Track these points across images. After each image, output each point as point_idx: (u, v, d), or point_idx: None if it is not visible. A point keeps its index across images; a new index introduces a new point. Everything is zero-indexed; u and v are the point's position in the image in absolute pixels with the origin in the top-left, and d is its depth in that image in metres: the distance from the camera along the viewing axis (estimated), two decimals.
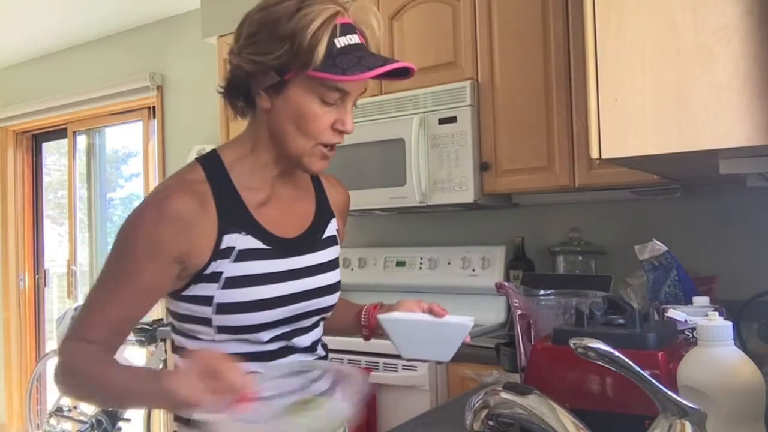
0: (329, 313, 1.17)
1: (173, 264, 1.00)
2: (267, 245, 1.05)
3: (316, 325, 1.16)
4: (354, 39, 0.99)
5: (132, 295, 1.00)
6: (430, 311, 1.16)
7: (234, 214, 1.03)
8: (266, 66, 0.98)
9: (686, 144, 0.90)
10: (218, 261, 1.01)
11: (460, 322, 1.10)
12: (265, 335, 1.06)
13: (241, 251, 1.02)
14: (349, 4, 1.03)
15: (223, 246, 1.01)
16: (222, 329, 1.04)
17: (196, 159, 1.09)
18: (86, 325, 1.01)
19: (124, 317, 1.02)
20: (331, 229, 1.18)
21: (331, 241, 1.18)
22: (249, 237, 1.03)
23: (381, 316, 1.14)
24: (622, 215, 2.47)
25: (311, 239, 1.13)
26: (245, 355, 1.04)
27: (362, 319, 1.23)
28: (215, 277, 1.01)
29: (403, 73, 1.03)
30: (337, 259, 1.19)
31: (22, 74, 4.67)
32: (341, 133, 1.04)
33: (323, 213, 1.18)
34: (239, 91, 1.05)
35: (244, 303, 1.02)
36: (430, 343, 1.10)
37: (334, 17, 0.97)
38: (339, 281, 1.17)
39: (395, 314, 1.15)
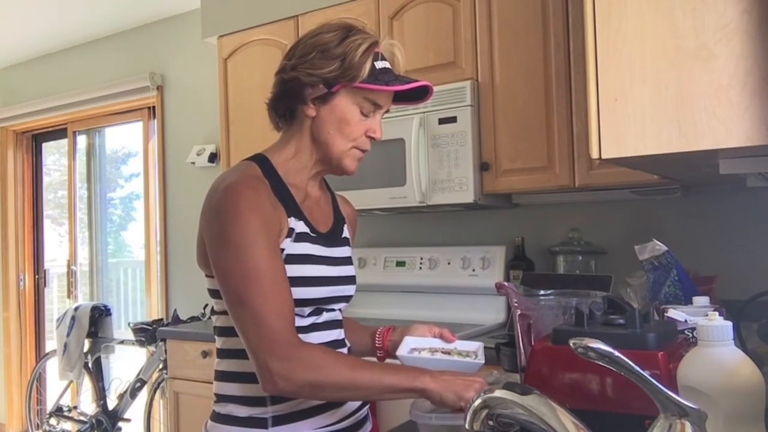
0: (347, 304, 1.31)
1: (278, 238, 1.14)
2: (312, 233, 1.22)
3: (339, 310, 1.30)
4: (387, 64, 1.21)
5: (281, 270, 1.12)
6: (441, 336, 1.33)
7: (289, 204, 1.19)
8: (319, 78, 1.17)
9: (686, 144, 0.90)
10: (285, 239, 1.16)
11: (472, 361, 1.23)
12: (306, 310, 1.19)
13: (298, 233, 1.19)
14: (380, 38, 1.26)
15: (290, 226, 1.17)
16: None
17: (247, 159, 1.24)
18: (282, 329, 1.08)
19: (290, 293, 1.12)
20: (345, 231, 1.34)
21: (347, 241, 1.34)
22: (301, 223, 1.20)
23: (400, 355, 1.24)
24: (622, 215, 2.47)
25: (336, 235, 1.30)
26: None
27: (377, 342, 1.40)
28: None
29: (422, 94, 1.25)
30: (351, 257, 1.35)
31: (22, 74, 4.67)
32: (372, 139, 1.23)
33: (339, 216, 1.34)
34: (285, 103, 1.23)
35: (301, 278, 1.16)
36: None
37: (375, 45, 1.19)
38: (356, 275, 1.33)
39: (412, 342, 1.28)
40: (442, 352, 1.26)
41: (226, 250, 1.10)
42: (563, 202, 2.55)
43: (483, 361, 1.23)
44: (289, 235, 1.17)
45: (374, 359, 1.34)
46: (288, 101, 1.23)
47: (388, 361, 1.32)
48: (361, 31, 1.21)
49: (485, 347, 1.32)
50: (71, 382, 3.90)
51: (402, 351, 1.25)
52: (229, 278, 1.10)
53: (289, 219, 1.17)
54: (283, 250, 1.15)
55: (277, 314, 1.08)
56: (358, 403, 1.27)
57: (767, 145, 0.85)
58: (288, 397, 1.15)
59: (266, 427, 1.15)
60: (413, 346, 1.28)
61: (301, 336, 1.18)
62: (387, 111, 1.26)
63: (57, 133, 4.65)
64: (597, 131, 0.96)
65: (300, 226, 1.19)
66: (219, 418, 1.20)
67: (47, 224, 4.86)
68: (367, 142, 1.23)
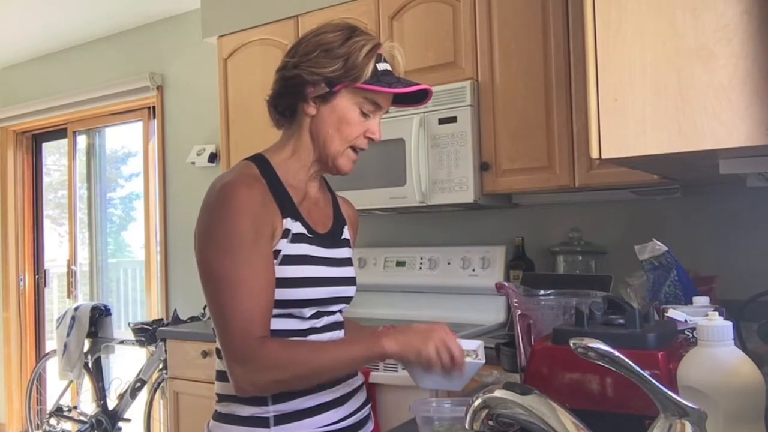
0: (347, 305, 1.31)
1: (269, 241, 1.14)
2: (310, 234, 1.21)
3: (339, 311, 1.30)
4: (388, 66, 1.22)
5: (260, 276, 1.11)
6: None
7: (286, 204, 1.19)
8: (322, 77, 1.17)
9: (686, 144, 0.90)
10: (281, 240, 1.16)
11: (471, 360, 1.21)
12: (307, 312, 1.19)
13: (294, 234, 1.18)
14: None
15: (285, 227, 1.17)
16: (275, 303, 1.15)
17: (246, 159, 1.24)
18: (250, 325, 1.08)
19: (266, 299, 1.12)
20: (346, 232, 1.34)
21: (347, 242, 1.34)
22: (298, 223, 1.20)
23: None
24: (622, 215, 2.47)
25: (336, 236, 1.29)
26: (287, 332, 1.17)
27: None
28: (275, 254, 1.16)
29: (421, 97, 1.26)
30: (351, 258, 1.34)
31: (22, 74, 4.67)
32: (370, 140, 1.24)
33: (339, 217, 1.34)
34: (286, 100, 1.23)
35: (297, 279, 1.17)
36: (443, 376, 1.18)
37: (377, 47, 1.20)
38: (356, 276, 1.33)
39: None
40: None
41: (210, 249, 1.11)
42: (563, 202, 2.55)
43: (483, 361, 1.23)
44: (284, 236, 1.17)
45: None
46: (289, 99, 1.23)
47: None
48: (364, 32, 1.21)
49: (485, 347, 1.31)
50: (71, 382, 3.90)
51: None
52: (207, 279, 1.11)
53: (284, 220, 1.17)
54: (279, 251, 1.16)
55: (245, 320, 1.09)
56: (360, 402, 1.27)
57: (767, 145, 0.85)
58: (289, 397, 1.16)
59: (268, 426, 1.16)
60: None
61: (300, 339, 1.19)
62: (386, 112, 1.26)
63: (57, 133, 4.65)
64: (597, 131, 0.96)
65: (296, 227, 1.19)
66: (221, 417, 1.20)
67: (47, 224, 4.86)
68: (365, 142, 1.24)
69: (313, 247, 1.21)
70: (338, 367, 1.15)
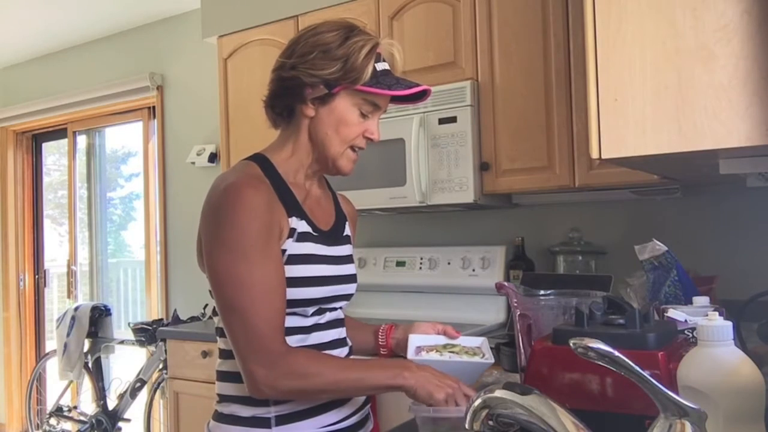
0: (348, 302, 1.31)
1: (277, 241, 1.14)
2: (314, 232, 1.21)
3: (339, 308, 1.30)
4: (386, 66, 1.21)
5: (274, 278, 1.11)
6: (445, 333, 1.34)
7: (291, 203, 1.19)
8: (321, 79, 1.16)
9: (686, 144, 0.90)
10: (287, 240, 1.16)
11: (480, 360, 1.25)
12: (309, 310, 1.20)
13: (300, 233, 1.18)
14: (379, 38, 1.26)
15: (291, 226, 1.17)
16: None
17: (247, 159, 1.23)
18: (269, 338, 1.08)
19: (282, 301, 1.12)
20: (347, 229, 1.34)
21: (348, 239, 1.34)
22: (303, 222, 1.19)
23: (411, 359, 1.25)
24: (622, 215, 2.47)
25: (338, 234, 1.29)
26: (291, 329, 1.16)
27: (380, 340, 1.40)
28: (281, 254, 1.15)
29: (420, 95, 1.24)
30: (352, 255, 1.34)
31: (22, 74, 4.67)
32: (369, 140, 1.23)
33: (340, 214, 1.34)
34: (283, 101, 1.22)
35: (303, 278, 1.17)
36: (454, 375, 1.19)
37: (376, 47, 1.19)
38: (356, 274, 1.33)
39: (416, 341, 1.30)
40: (449, 351, 1.26)
41: (221, 253, 1.10)
42: (563, 202, 2.55)
43: (492, 361, 1.24)
44: (290, 236, 1.16)
45: (363, 357, 1.35)
46: (286, 100, 1.22)
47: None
48: (363, 31, 1.20)
49: None
50: (71, 382, 3.90)
51: (411, 354, 1.26)
52: (222, 283, 1.10)
53: (290, 219, 1.17)
54: (285, 250, 1.15)
55: (266, 322, 1.08)
56: (360, 402, 1.27)
57: (767, 145, 0.85)
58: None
59: (269, 427, 1.15)
60: (418, 344, 1.29)
61: (303, 336, 1.19)
62: (384, 111, 1.26)
63: (57, 133, 4.65)
64: (597, 131, 0.96)
65: (302, 226, 1.19)
66: (222, 418, 1.20)
67: (47, 224, 4.86)
68: (364, 142, 1.23)
69: (318, 245, 1.21)
70: (360, 388, 1.15)
